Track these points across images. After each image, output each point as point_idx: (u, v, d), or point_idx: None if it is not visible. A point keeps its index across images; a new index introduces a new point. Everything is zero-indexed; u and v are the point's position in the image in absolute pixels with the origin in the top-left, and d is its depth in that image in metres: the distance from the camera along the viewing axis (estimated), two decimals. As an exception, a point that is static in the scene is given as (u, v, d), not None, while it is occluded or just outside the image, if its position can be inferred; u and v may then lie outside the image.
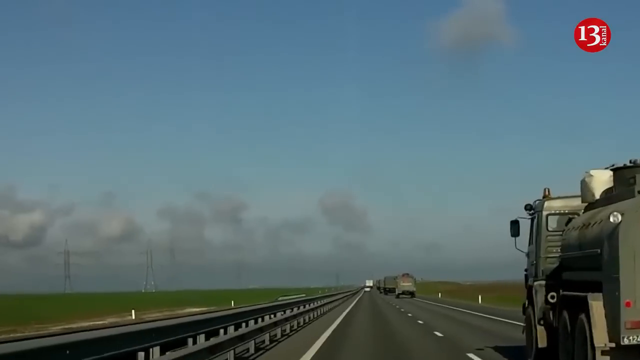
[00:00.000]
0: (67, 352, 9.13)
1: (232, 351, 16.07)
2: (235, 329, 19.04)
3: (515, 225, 16.04)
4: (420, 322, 34.27)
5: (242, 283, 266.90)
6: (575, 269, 12.74)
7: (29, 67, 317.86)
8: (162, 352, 12.94)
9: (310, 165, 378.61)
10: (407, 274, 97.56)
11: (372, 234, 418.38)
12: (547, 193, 15.15)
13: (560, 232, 13.84)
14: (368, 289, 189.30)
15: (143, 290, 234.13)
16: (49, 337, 12.73)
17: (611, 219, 10.50)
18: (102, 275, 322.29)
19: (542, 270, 14.68)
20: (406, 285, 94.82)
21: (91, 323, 45.90)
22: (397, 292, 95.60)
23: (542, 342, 14.25)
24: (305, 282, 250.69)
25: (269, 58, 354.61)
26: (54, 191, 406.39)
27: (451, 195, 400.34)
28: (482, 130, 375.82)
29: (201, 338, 15.89)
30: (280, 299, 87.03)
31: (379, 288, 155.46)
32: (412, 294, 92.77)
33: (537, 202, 15.25)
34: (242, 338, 17.36)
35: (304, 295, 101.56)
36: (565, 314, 12.57)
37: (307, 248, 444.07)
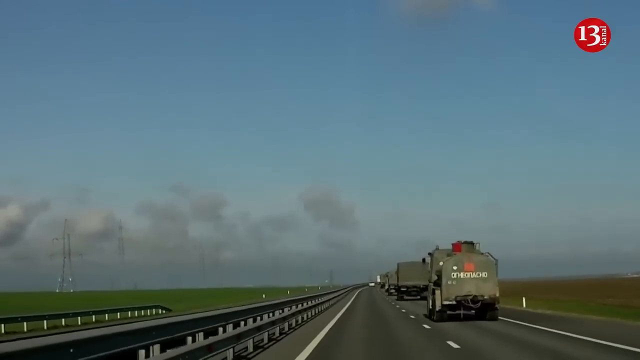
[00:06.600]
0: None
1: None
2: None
3: None
4: None
5: (223, 282, 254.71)
6: None
7: (13, 64, 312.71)
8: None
9: (296, 162, 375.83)
10: (472, 244, 30.55)
11: (367, 232, 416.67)
12: None
13: None
14: (372, 284, 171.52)
15: (57, 291, 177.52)
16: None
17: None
18: (19, 271, 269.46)
19: None
20: (469, 277, 29.05)
21: None
22: (440, 300, 29.40)
23: None
24: (301, 280, 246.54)
25: (244, 55, 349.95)
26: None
27: (448, 191, 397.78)
28: (475, 126, 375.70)
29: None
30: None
31: (383, 286, 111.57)
32: (488, 306, 29.26)
33: None
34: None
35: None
36: None
37: (300, 247, 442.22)
